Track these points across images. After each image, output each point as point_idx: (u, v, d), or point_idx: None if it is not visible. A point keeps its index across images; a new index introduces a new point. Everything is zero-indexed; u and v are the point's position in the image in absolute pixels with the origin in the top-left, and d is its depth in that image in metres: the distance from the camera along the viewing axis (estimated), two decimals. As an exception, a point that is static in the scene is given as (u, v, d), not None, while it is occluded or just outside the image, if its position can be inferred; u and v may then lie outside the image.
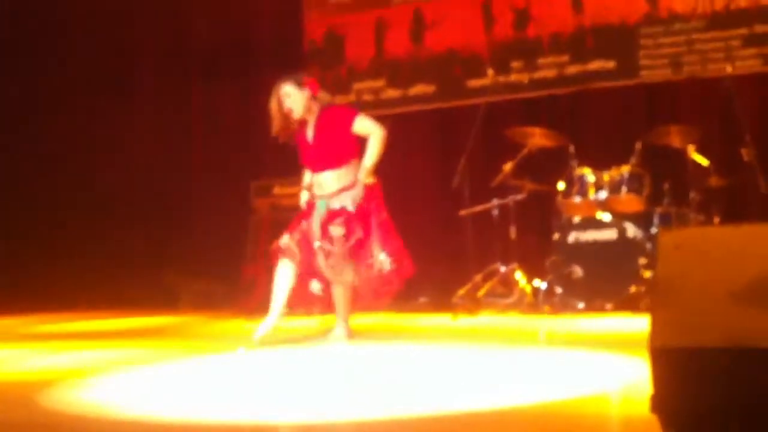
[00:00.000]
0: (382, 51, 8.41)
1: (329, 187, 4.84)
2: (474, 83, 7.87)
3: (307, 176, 5.04)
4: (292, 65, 8.16)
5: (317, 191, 4.90)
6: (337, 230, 4.75)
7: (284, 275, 4.77)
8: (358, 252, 4.76)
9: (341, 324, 4.96)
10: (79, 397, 3.46)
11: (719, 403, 2.03)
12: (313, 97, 4.89)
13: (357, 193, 4.80)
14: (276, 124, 4.88)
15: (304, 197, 5.00)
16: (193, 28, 9.10)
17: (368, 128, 4.88)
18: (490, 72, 7.18)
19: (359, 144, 4.93)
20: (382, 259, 4.76)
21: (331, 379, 3.87)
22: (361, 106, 8.34)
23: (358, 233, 4.75)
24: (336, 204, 4.81)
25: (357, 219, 4.77)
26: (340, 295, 4.90)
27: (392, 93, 8.32)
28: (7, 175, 9.21)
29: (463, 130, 7.05)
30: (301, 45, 8.72)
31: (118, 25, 9.23)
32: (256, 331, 4.76)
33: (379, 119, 5.04)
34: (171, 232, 8.72)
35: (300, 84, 4.87)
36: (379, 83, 8.38)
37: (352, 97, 8.43)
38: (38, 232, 8.95)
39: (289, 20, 8.76)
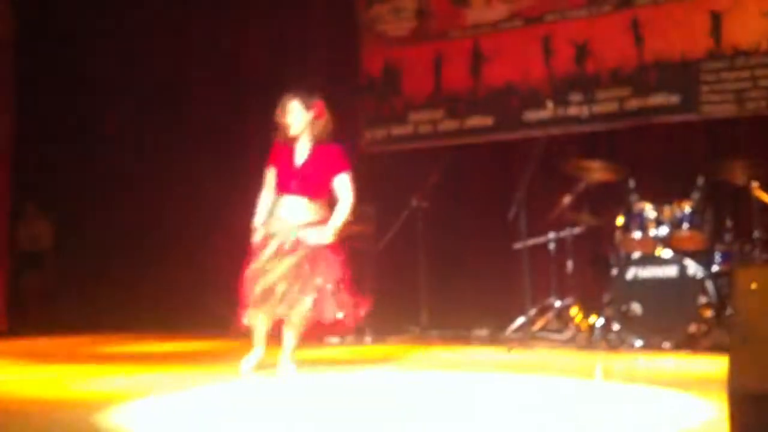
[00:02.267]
0: (440, 84, 8.38)
1: (300, 216, 4.79)
2: (532, 116, 7.83)
3: (263, 211, 4.92)
4: (347, 96, 8.20)
5: (282, 217, 4.81)
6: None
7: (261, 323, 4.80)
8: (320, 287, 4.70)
9: (288, 359, 4.82)
10: (133, 419, 3.46)
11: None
12: (316, 120, 4.88)
13: (323, 236, 4.75)
14: (280, 132, 4.93)
15: (260, 233, 4.84)
16: (250, 58, 9.16)
17: (343, 190, 4.86)
18: (550, 105, 7.14)
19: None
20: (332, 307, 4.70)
21: (377, 409, 3.83)
22: (419, 138, 8.38)
23: (323, 270, 4.71)
24: (301, 234, 4.74)
25: (320, 258, 4.73)
26: (291, 334, 4.79)
27: (450, 124, 8.29)
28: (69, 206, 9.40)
29: (520, 162, 7.00)
30: (357, 76, 8.72)
31: (173, 57, 9.35)
32: (245, 364, 4.78)
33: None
34: (220, 259, 8.73)
35: (307, 105, 4.88)
36: (437, 115, 8.36)
37: (409, 128, 8.42)
38: (100, 261, 9.10)
39: (347, 52, 8.77)
